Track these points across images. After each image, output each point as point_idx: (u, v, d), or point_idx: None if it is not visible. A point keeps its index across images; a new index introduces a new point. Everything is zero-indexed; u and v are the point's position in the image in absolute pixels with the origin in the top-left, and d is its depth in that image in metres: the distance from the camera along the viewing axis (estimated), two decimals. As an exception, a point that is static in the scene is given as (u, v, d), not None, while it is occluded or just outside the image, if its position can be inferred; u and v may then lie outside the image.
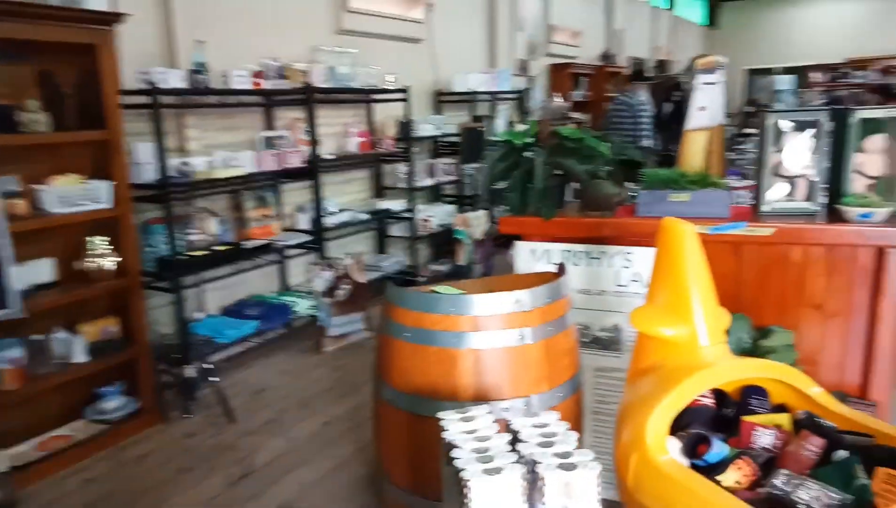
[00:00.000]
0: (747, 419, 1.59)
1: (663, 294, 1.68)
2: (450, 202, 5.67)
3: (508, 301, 1.78)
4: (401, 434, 1.91)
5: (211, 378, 3.22)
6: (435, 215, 5.32)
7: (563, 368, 1.89)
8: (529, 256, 2.44)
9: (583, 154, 2.42)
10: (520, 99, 6.66)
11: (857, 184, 2.18)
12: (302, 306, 4.06)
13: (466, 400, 1.78)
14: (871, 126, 2.15)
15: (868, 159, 2.17)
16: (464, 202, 5.71)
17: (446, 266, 5.47)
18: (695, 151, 2.58)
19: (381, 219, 4.94)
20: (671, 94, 10.87)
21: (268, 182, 4.00)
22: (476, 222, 5.46)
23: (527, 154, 2.40)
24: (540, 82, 7.71)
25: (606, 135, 2.65)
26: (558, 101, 7.45)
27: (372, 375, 2.07)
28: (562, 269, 2.02)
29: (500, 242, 6.12)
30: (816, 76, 14.61)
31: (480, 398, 1.77)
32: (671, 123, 8.92)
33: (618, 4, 9.94)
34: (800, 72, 14.91)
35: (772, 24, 15.30)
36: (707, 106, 2.57)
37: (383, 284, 4.72)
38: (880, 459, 1.38)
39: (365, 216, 4.67)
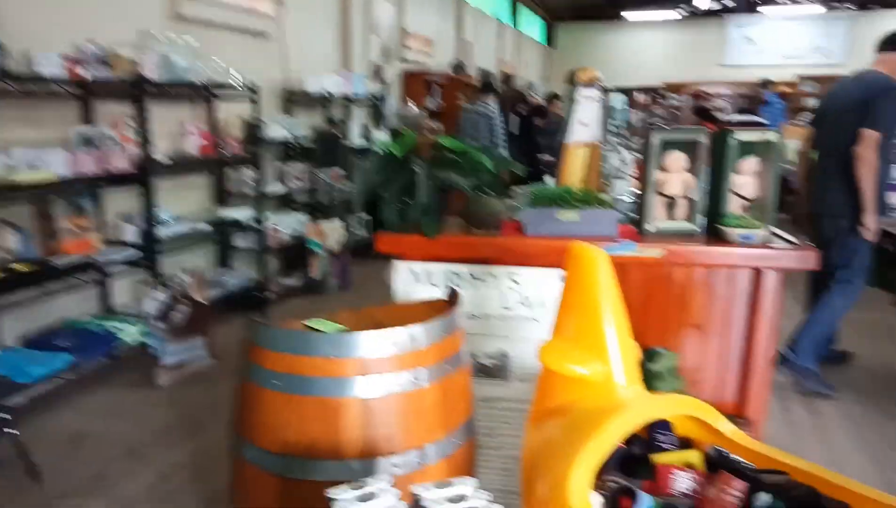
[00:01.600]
0: (661, 459, 1.48)
1: (574, 327, 1.52)
2: (302, 211, 5.26)
3: (401, 339, 1.52)
4: (269, 502, 1.57)
5: (6, 430, 2.59)
6: (286, 225, 4.90)
7: (460, 410, 1.67)
8: (410, 277, 2.20)
9: (465, 167, 2.23)
10: (375, 104, 6.41)
11: (734, 205, 2.21)
12: (129, 333, 3.46)
13: (352, 458, 1.49)
14: (745, 148, 2.18)
15: (743, 181, 2.20)
16: (318, 211, 5.34)
17: (298, 280, 5.07)
18: (575, 167, 2.50)
19: (224, 230, 4.43)
20: (517, 106, 11.24)
21: (85, 188, 3.37)
22: (331, 233, 5.12)
23: (411, 166, 2.16)
24: (394, 89, 7.53)
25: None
26: (413, 108, 7.31)
27: (230, 430, 1.70)
28: (455, 296, 1.80)
29: (357, 253, 5.83)
30: (640, 97, 15.99)
31: (368, 453, 1.49)
32: (519, 136, 9.24)
33: (467, 16, 10.07)
34: (627, 92, 16.22)
35: (602, 46, 16.49)
36: (588, 121, 2.51)
37: (232, 304, 4.28)
38: (800, 500, 1.32)
39: (205, 227, 4.14)
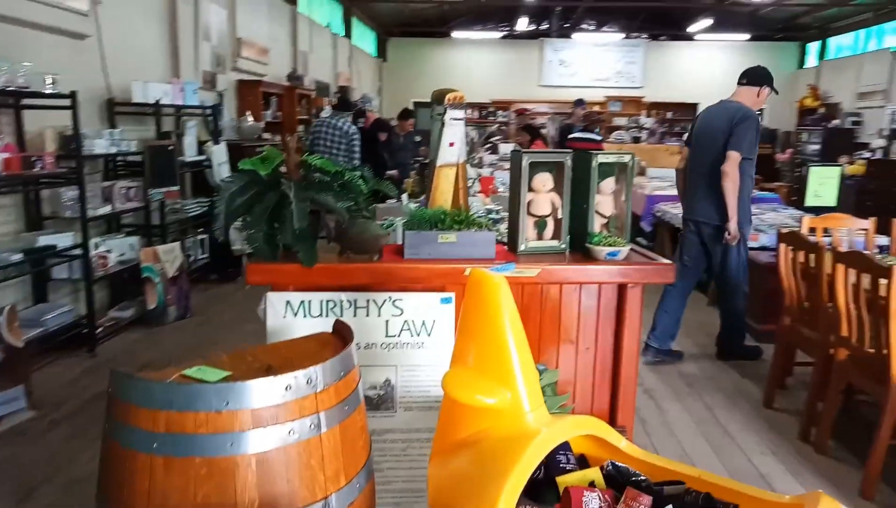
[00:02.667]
0: (565, 481, 1.51)
1: (477, 355, 1.50)
2: (134, 233, 4.75)
3: (297, 382, 1.40)
4: (145, 585, 1.36)
5: None
6: (115, 250, 4.39)
7: (360, 451, 1.57)
8: (284, 309, 2.05)
9: (337, 189, 2.13)
10: (210, 115, 5.99)
11: (596, 224, 2.33)
12: (-79, 388, 2.88)
13: (247, 521, 1.33)
14: (604, 170, 2.32)
15: (603, 200, 2.34)
16: (152, 233, 4.85)
17: (132, 311, 4.56)
18: (446, 187, 2.49)
19: (39, 259, 3.85)
20: (357, 120, 11.18)
21: None
22: (168, 257, 4.69)
23: (279, 188, 2.01)
24: (228, 99, 7.10)
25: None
26: (250, 120, 6.95)
27: (96, 503, 1.44)
28: (346, 330, 1.70)
29: (196, 277, 5.39)
30: (470, 113, 16.66)
31: (265, 513, 1.35)
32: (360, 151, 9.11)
33: (301, 25, 9.81)
34: (457, 108, 16.80)
35: (432, 62, 16.93)
36: (455, 141, 2.52)
37: (54, 344, 3.70)
38: (699, 507, 1.41)
39: (16, 256, 3.57)
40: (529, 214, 2.30)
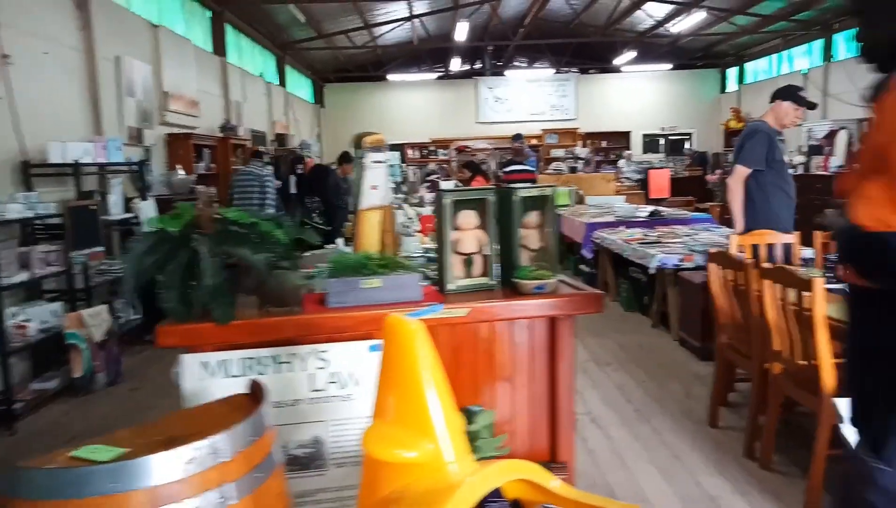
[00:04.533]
0: (499, 530, 1.44)
1: (397, 407, 1.43)
2: (55, 299, 4.51)
3: (200, 454, 1.30)
4: None
5: None
6: (35, 318, 4.15)
7: (278, 520, 1.47)
8: (201, 371, 1.94)
9: (254, 240, 2.05)
10: (137, 172, 5.82)
11: (523, 258, 2.32)
12: None
13: None
14: (527, 204, 2.31)
15: (529, 234, 2.33)
16: (76, 298, 4.61)
17: (57, 382, 4.30)
18: (370, 231, 2.45)
19: (-52, 333, 3.60)
20: (295, 167, 11.07)
21: None
22: (94, 321, 4.46)
23: (190, 244, 1.92)
24: (158, 153, 6.93)
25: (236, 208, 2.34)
26: (181, 174, 6.78)
27: None
28: (259, 390, 1.60)
29: (128, 339, 5.15)
30: (412, 153, 16.79)
31: None
32: (297, 196, 9.05)
33: (232, 76, 9.74)
34: (398, 148, 16.94)
35: (369, 105, 17.04)
36: (378, 185, 2.48)
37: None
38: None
39: (-79, 333, 3.33)
40: (456, 252, 2.27)
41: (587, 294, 2.16)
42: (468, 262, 2.29)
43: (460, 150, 15.27)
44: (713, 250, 3.45)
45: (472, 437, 2.07)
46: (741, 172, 4.23)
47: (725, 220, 8.52)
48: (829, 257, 3.74)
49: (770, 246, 4.07)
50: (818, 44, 12.47)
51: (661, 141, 16.64)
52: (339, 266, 2.12)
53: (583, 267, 7.25)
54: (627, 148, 16.28)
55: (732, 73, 16.42)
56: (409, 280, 2.12)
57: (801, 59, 13.39)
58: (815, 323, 2.52)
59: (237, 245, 1.99)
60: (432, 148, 16.94)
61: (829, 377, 2.53)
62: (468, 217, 2.27)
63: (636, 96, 16.85)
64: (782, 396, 2.89)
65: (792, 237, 4.06)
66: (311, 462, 2.00)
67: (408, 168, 14.62)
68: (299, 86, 14.64)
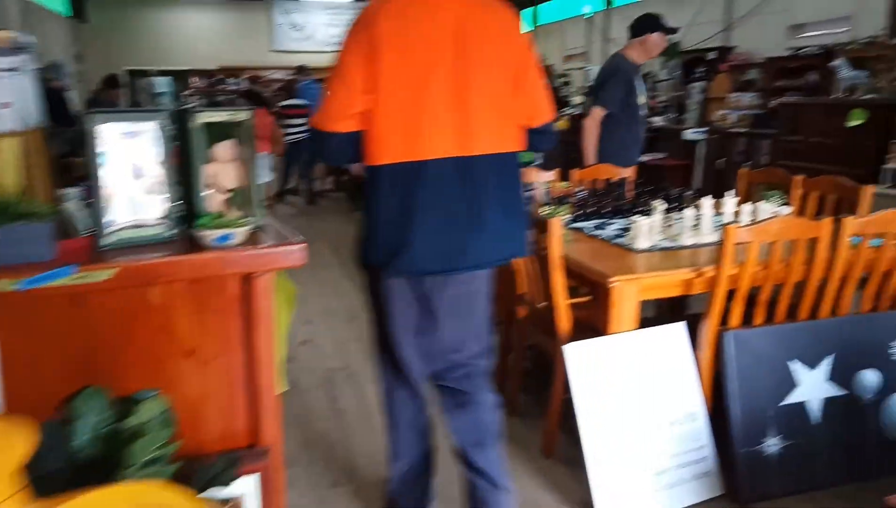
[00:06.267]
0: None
1: None
2: None
3: None
4: None
5: None
6: None
7: None
8: None
9: None
10: None
11: (214, 201, 1.86)
12: None
13: None
14: (217, 132, 1.84)
15: (222, 170, 1.87)
16: None
17: None
18: (1, 166, 1.82)
19: None
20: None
21: None
22: None
23: None
24: None
25: None
26: None
27: None
28: None
29: None
30: (196, 81, 15.12)
31: None
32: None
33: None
34: (181, 76, 15.17)
35: (149, 24, 14.99)
36: (12, 101, 1.84)
37: None
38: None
39: None
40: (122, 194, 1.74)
41: (287, 245, 1.77)
42: (137, 206, 1.77)
43: (253, 80, 14.03)
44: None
45: (137, 433, 1.63)
46: (598, 113, 4.10)
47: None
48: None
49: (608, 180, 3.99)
50: (600, -11, 13.09)
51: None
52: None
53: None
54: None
55: (528, 14, 16.83)
56: (34, 232, 1.56)
57: (587, 5, 14.02)
58: (551, 263, 2.40)
59: None
60: (221, 77, 15.40)
61: (564, 320, 2.44)
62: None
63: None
64: (526, 340, 2.80)
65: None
66: None
67: (192, 98, 13.15)
68: (48, -6, 12.25)
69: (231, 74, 15.01)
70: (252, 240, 1.78)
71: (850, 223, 2.29)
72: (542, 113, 2.00)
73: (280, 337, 2.03)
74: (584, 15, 13.32)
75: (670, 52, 8.80)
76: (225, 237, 1.72)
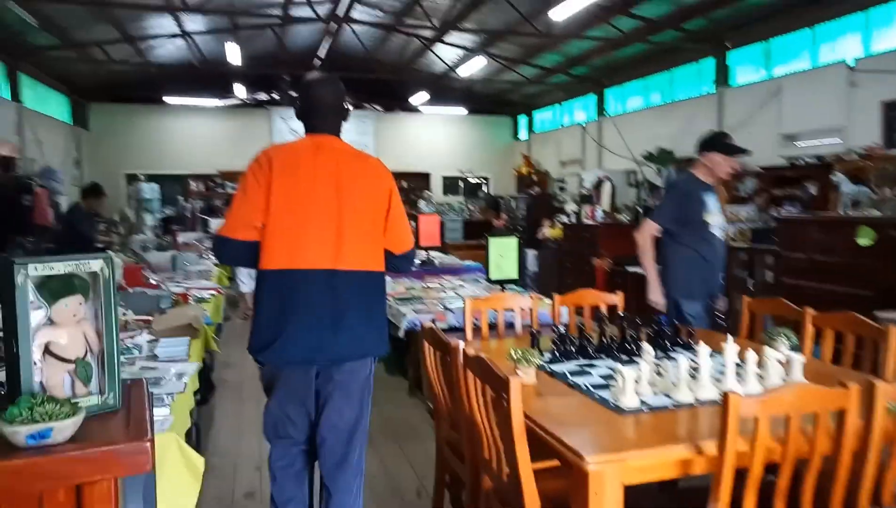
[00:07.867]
0: None
1: None
2: None
3: None
4: None
5: None
6: None
7: None
8: None
9: None
10: None
11: (52, 375, 1.41)
12: None
13: None
14: (59, 286, 1.43)
15: (62, 335, 1.44)
16: None
17: None
18: None
19: None
20: (23, 197, 9.12)
21: None
22: None
23: None
24: None
25: None
26: None
27: None
28: None
29: None
30: (195, 185, 15.16)
31: None
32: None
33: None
34: (181, 180, 15.21)
35: (148, 130, 15.21)
36: None
37: None
38: None
39: None
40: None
41: (129, 444, 1.30)
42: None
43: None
44: (426, 323, 2.81)
45: None
46: (648, 227, 3.81)
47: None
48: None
49: (595, 309, 3.43)
50: (593, 98, 13.27)
51: (461, 183, 16.76)
52: None
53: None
54: (428, 189, 16.15)
55: (524, 121, 17.11)
56: None
57: (581, 113, 14.20)
58: (513, 431, 1.91)
59: None
60: (219, 181, 15.44)
61: (531, 499, 1.93)
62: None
63: (435, 138, 16.85)
64: (491, 522, 2.26)
65: (616, 299, 3.48)
66: None
67: (189, 202, 13.05)
68: (45, 102, 12.44)
69: (229, 177, 15.03)
70: (87, 434, 1.32)
71: (884, 390, 1.82)
72: (404, 243, 2.47)
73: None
74: (579, 124, 13.45)
75: (662, 159, 8.64)
76: (42, 434, 1.26)
